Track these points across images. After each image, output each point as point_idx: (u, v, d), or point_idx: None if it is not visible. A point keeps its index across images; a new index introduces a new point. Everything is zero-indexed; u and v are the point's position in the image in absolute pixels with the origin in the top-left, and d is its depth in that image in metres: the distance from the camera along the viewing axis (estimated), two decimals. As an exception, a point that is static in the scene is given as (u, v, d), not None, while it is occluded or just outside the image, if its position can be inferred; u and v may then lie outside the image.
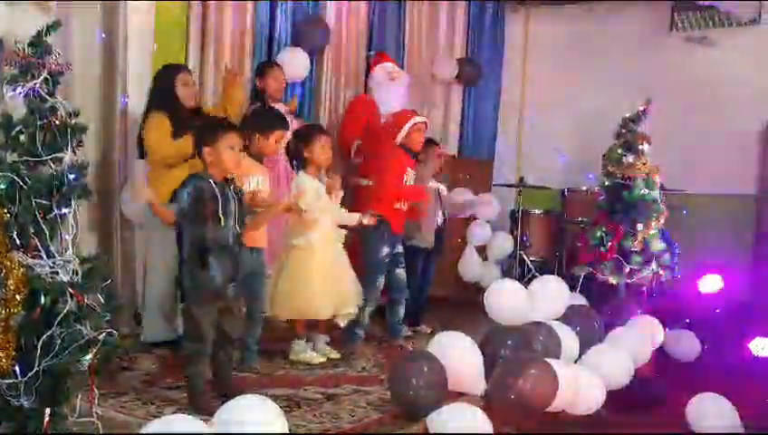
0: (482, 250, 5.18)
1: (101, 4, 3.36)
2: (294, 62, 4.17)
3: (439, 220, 4.12)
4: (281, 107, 3.75)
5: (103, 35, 3.37)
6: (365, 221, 3.27)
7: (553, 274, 3.94)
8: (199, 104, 3.38)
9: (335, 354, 3.20)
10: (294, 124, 3.79)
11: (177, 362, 2.81)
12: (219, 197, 2.36)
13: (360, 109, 4.45)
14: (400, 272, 3.65)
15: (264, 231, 2.96)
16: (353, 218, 3.28)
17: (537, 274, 4.58)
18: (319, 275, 3.07)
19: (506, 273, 5.09)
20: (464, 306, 4.57)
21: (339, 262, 3.20)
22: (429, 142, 4.11)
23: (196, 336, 2.37)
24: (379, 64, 4.55)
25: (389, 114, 4.11)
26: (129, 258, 3.54)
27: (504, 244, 5.15)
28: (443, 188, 4.11)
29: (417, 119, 3.76)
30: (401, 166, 3.66)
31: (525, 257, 5.01)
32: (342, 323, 3.21)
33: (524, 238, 5.05)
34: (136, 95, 3.49)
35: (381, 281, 3.56)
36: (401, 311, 3.69)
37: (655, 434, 2.87)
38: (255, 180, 2.94)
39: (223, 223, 2.35)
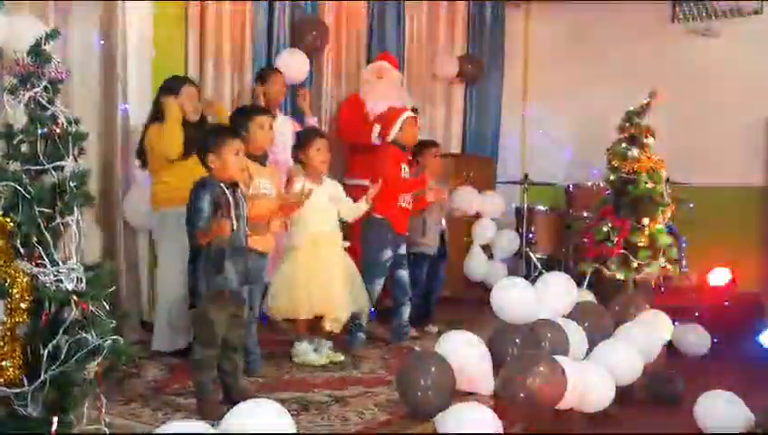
0: (488, 248, 5.16)
1: (99, 10, 3.36)
2: (294, 64, 4.16)
3: (443, 224, 4.08)
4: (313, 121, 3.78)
5: (102, 41, 3.37)
6: (365, 204, 3.27)
7: (560, 270, 3.92)
8: (203, 117, 3.31)
9: (339, 358, 3.19)
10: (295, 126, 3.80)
11: (186, 369, 2.80)
12: (231, 201, 2.38)
13: (349, 109, 4.43)
14: (403, 273, 3.63)
15: (270, 237, 2.96)
16: (361, 208, 3.27)
17: (543, 271, 4.56)
18: (303, 274, 3.06)
19: (512, 271, 5.06)
20: (470, 305, 4.55)
21: (333, 265, 3.15)
22: (429, 144, 4.08)
23: (209, 340, 2.37)
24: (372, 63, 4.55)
25: (379, 114, 4.10)
26: (133, 265, 3.54)
27: (509, 242, 5.13)
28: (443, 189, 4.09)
29: (408, 113, 3.73)
30: (396, 162, 3.64)
31: (531, 255, 4.98)
32: (330, 328, 3.14)
33: (530, 236, 5.03)
34: (136, 102, 3.49)
35: (381, 284, 3.54)
36: (406, 313, 3.66)
37: (665, 433, 2.84)
38: (261, 183, 2.93)
39: (236, 227, 2.37)
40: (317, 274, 3.09)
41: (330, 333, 3.22)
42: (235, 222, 2.39)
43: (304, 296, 3.05)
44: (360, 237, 3.58)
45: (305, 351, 3.14)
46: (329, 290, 3.10)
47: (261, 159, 2.97)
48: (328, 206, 3.20)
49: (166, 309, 3.14)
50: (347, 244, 3.28)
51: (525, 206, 5.04)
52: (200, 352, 2.40)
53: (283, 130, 3.67)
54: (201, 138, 2.60)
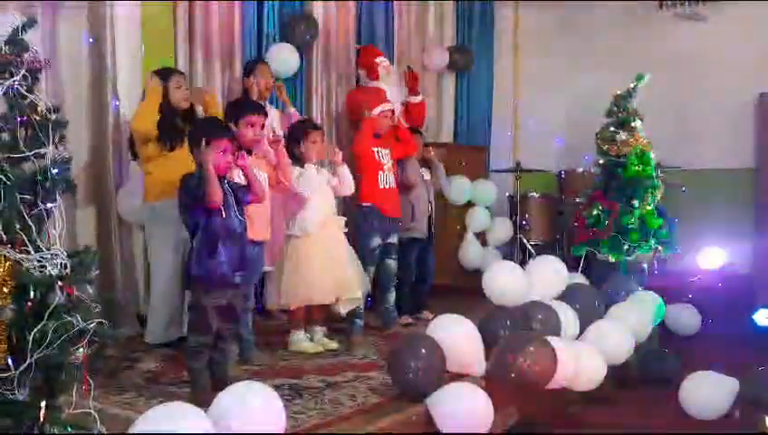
0: (482, 237, 5.17)
1: (88, 8, 3.37)
2: (283, 58, 4.16)
3: (430, 209, 4.11)
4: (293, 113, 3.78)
5: (90, 39, 3.38)
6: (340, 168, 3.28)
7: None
8: (193, 107, 3.32)
9: (333, 345, 3.21)
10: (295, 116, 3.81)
11: (180, 360, 2.81)
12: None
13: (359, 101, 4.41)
14: (390, 262, 3.67)
15: (267, 225, 2.98)
16: (345, 174, 3.28)
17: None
18: (318, 259, 3.10)
19: (507, 258, 5.07)
20: (466, 293, 4.55)
21: (339, 248, 3.21)
22: (413, 132, 4.12)
23: (201, 328, 2.39)
24: (373, 58, 4.51)
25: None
26: (128, 259, 3.55)
27: (503, 229, 5.15)
28: (424, 171, 4.11)
29: (387, 106, 3.76)
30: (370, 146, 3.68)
31: (525, 241, 5.00)
32: (344, 311, 3.20)
33: (524, 223, 5.04)
34: (126, 98, 3.51)
35: (371, 271, 3.57)
36: (391, 298, 3.70)
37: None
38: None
39: (225, 214, 2.39)
40: (331, 257, 3.13)
41: (326, 319, 3.24)
42: (224, 210, 2.40)
43: (320, 281, 3.07)
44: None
45: (301, 339, 3.17)
46: (343, 272, 3.14)
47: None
48: (328, 190, 3.24)
49: (160, 302, 3.15)
50: (344, 219, 3.32)
51: (518, 193, 5.05)
52: (192, 339, 2.42)
53: (273, 122, 3.68)
54: (191, 130, 2.61)
